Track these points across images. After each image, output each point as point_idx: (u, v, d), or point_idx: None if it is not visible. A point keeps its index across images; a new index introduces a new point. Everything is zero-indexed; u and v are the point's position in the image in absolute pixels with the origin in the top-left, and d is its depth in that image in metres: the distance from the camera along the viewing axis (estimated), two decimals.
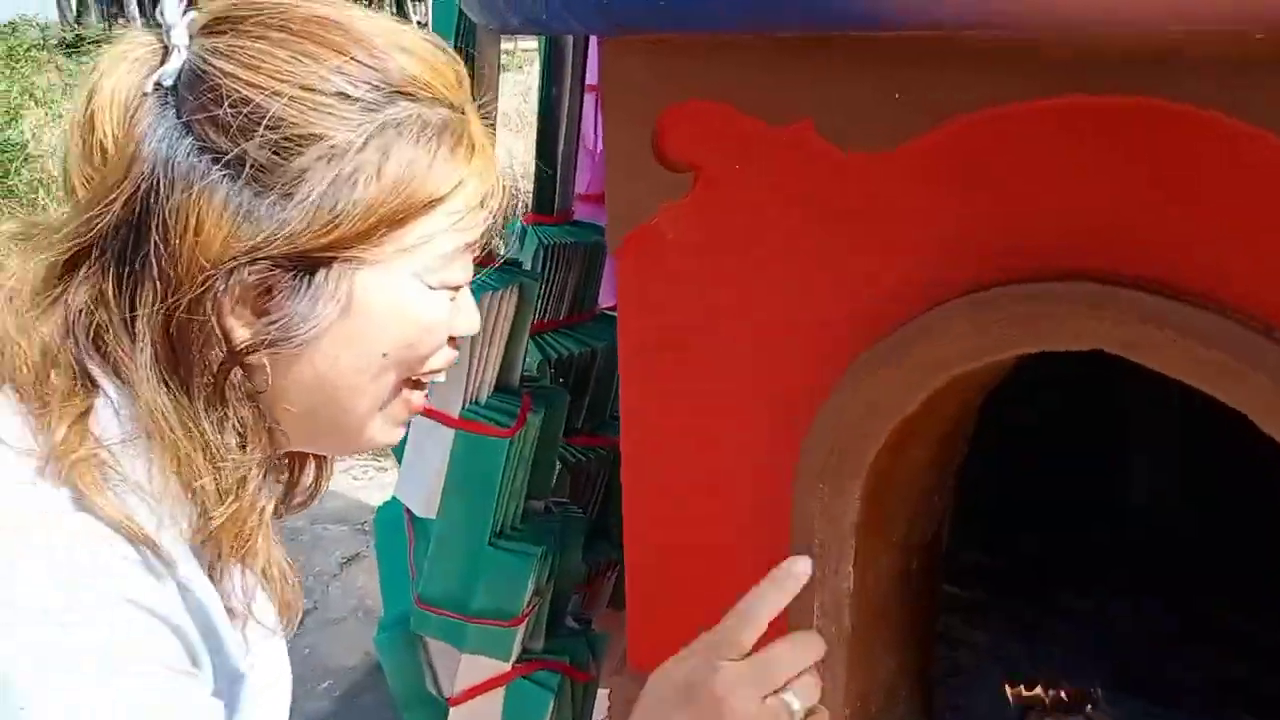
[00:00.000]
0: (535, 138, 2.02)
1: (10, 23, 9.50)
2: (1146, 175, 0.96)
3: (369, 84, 0.66)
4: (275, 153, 0.64)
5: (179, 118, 0.64)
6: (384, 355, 0.70)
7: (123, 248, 0.65)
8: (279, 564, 0.71)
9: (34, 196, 6.52)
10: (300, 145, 0.64)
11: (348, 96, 0.66)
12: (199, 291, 0.63)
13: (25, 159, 6.68)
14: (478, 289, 1.63)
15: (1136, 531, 1.94)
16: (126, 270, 0.65)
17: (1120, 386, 1.52)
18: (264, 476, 0.68)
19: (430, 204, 0.68)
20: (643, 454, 1.40)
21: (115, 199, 0.64)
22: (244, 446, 0.67)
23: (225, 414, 0.66)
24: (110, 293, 0.65)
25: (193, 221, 0.63)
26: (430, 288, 0.70)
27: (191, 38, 0.66)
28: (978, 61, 1.01)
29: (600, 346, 1.97)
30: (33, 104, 7.50)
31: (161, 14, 0.66)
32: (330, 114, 0.65)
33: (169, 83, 0.65)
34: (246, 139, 0.63)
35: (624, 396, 1.41)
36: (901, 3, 0.91)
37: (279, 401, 0.69)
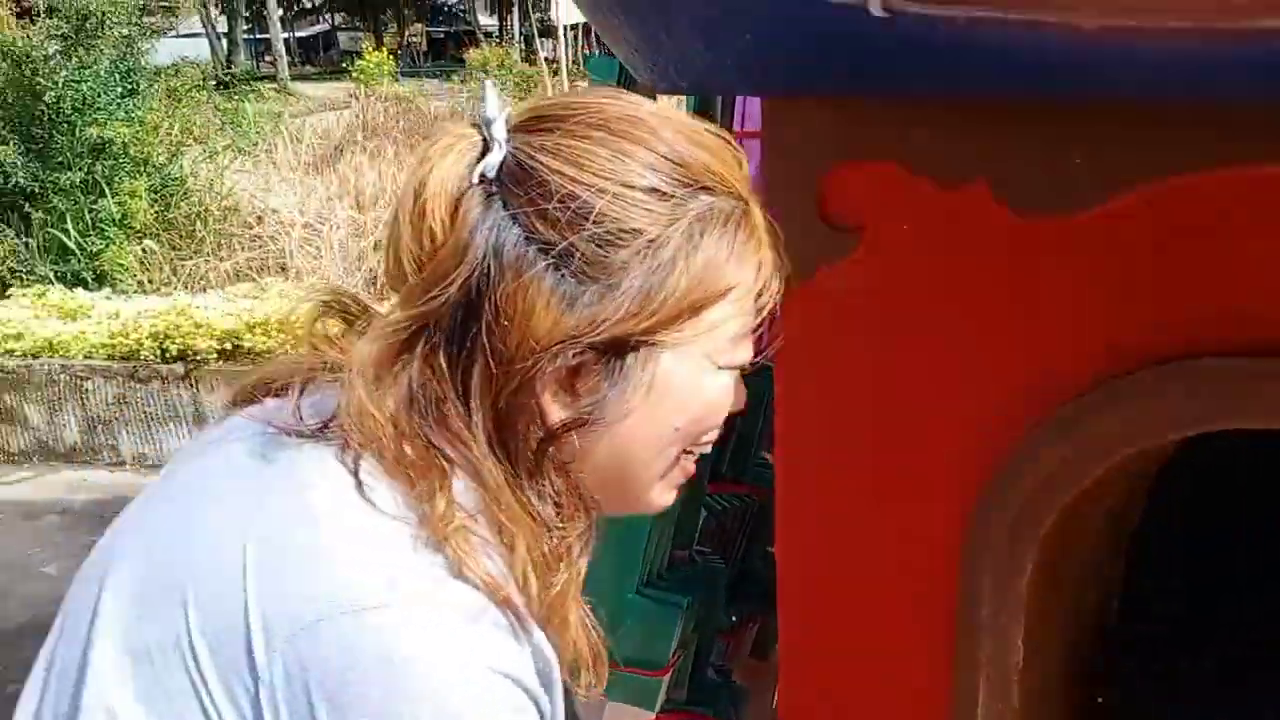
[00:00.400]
0: None
1: (174, 64, 10.10)
2: None
3: (676, 179, 0.71)
4: (599, 246, 0.68)
5: (506, 209, 0.69)
6: (675, 430, 0.75)
7: (456, 327, 0.69)
8: (588, 622, 0.75)
9: (192, 228, 6.90)
10: (621, 239, 0.69)
11: (660, 192, 0.70)
12: (526, 372, 0.68)
13: (185, 193, 7.07)
14: None
15: None
16: (459, 349, 0.69)
17: None
18: (586, 544, 0.73)
19: (727, 291, 0.72)
20: (801, 515, 1.39)
21: (451, 283, 0.68)
22: (562, 516, 0.71)
23: (543, 486, 0.71)
24: (446, 369, 0.70)
25: (523, 307, 0.68)
26: (719, 368, 0.75)
27: (509, 133, 0.71)
28: (1175, 124, 0.98)
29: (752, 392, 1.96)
30: (192, 141, 7.94)
31: (482, 111, 0.71)
32: (647, 209, 0.70)
33: (491, 174, 0.70)
34: (573, 232, 0.68)
35: (780, 456, 1.40)
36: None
37: (578, 472, 0.73)
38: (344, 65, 21.17)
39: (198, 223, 6.89)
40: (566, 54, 11.82)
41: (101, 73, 6.93)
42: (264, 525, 0.67)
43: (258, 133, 10.13)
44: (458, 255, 0.68)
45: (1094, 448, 1.08)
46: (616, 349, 0.70)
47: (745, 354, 0.77)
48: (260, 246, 6.79)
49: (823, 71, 1.08)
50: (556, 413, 0.70)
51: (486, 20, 31.31)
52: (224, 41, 26.79)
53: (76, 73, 6.84)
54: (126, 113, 6.91)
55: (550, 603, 0.69)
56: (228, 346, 4.57)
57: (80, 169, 6.65)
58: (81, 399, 4.73)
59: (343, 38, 35.25)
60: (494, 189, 0.70)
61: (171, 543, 0.70)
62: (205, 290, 5.77)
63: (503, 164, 0.70)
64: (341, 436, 0.68)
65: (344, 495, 0.67)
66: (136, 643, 0.67)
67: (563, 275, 0.68)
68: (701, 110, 1.96)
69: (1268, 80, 0.85)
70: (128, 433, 4.75)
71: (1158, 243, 1.03)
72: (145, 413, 4.70)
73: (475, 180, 0.70)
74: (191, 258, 6.62)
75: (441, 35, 35.02)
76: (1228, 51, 0.85)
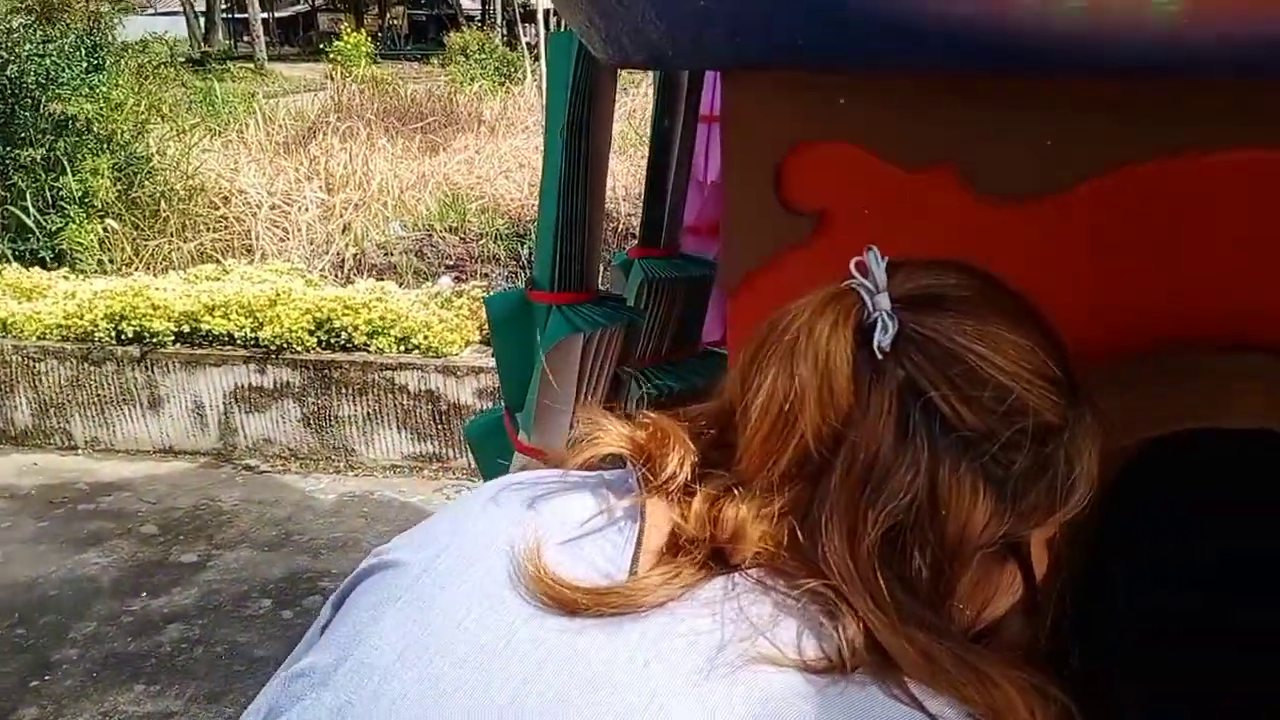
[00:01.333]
0: (646, 170, 1.97)
1: (141, 40, 9.91)
2: None
3: (1065, 369, 0.71)
4: (1024, 435, 0.67)
5: (915, 389, 0.67)
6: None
7: (910, 520, 0.67)
8: None
9: (156, 208, 6.77)
10: (1040, 432, 0.68)
11: (1061, 383, 0.70)
12: (964, 564, 0.68)
13: (149, 172, 6.94)
14: (588, 324, 1.59)
15: None
16: (905, 544, 0.67)
17: None
18: None
19: (1087, 488, 0.72)
20: None
21: (894, 474, 0.67)
22: None
23: None
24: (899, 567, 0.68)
25: (958, 500, 0.67)
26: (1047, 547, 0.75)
27: (896, 303, 0.69)
28: (1146, 108, 0.92)
29: (701, 384, 1.91)
30: (160, 119, 7.79)
31: (872, 277, 0.70)
32: (1055, 400, 0.69)
33: (887, 348, 0.68)
34: (1003, 424, 0.67)
35: None
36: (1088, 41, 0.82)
37: None
38: (322, 47, 20.93)
39: (162, 202, 6.75)
40: (547, 38, 11.72)
41: (66, 48, 6.78)
42: None
43: (229, 113, 9.97)
44: (877, 439, 0.67)
45: None
46: (1018, 542, 0.70)
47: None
48: (226, 227, 6.66)
49: (779, 45, 1.02)
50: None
51: (469, 3, 31.07)
52: (202, 20, 26.48)
53: (40, 47, 6.69)
54: (91, 89, 6.76)
55: None
56: (185, 329, 4.46)
57: (42, 145, 6.50)
58: (34, 380, 4.61)
59: (323, 19, 34.86)
60: (903, 368, 0.68)
61: None
62: (167, 271, 5.64)
63: (899, 338, 0.68)
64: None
65: None
66: None
67: (995, 467, 0.67)
68: (666, 90, 1.90)
69: (1237, 65, 0.79)
70: (81, 416, 4.64)
71: (1126, 228, 0.97)
72: (99, 395, 4.58)
73: (878, 353, 0.68)
74: (154, 238, 6.48)
75: (423, 18, 34.68)
76: (1195, 34, 0.79)
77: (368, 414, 4.38)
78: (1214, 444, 0.99)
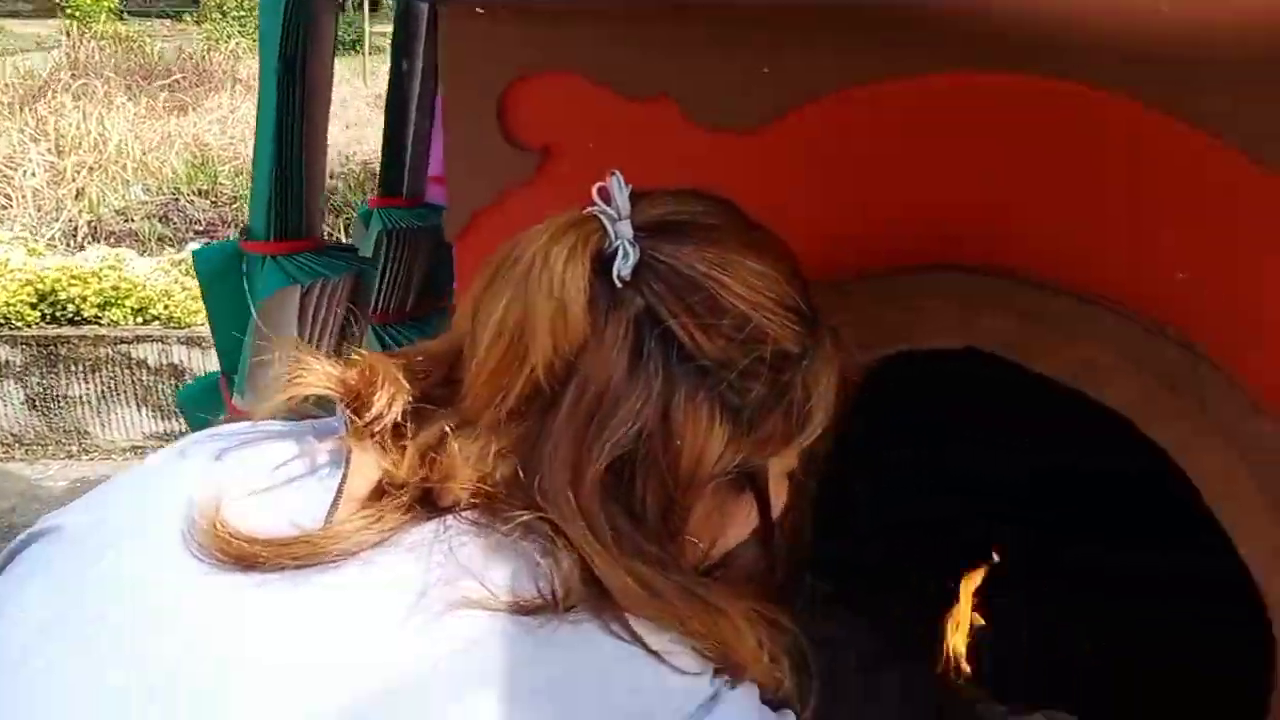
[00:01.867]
0: (385, 115, 1.86)
1: None
2: (1026, 160, 0.88)
3: (807, 297, 0.70)
4: (763, 364, 0.66)
5: (654, 317, 0.65)
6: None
7: (632, 451, 0.65)
8: None
9: None
10: (777, 360, 0.67)
11: (802, 314, 0.69)
12: (697, 494, 0.66)
13: None
14: (306, 275, 1.47)
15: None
16: (628, 475, 0.65)
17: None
18: None
19: (824, 417, 0.71)
20: None
21: (620, 404, 0.64)
22: None
23: None
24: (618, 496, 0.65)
25: (694, 429, 0.65)
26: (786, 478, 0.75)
27: (639, 230, 0.66)
28: (850, 36, 0.92)
29: None
30: None
31: (615, 203, 0.67)
32: (795, 329, 0.68)
33: (628, 277, 0.65)
34: (741, 352, 0.65)
35: None
36: None
37: None
38: (59, 1, 19.11)
39: None
40: None
41: None
42: None
43: None
44: (610, 368, 0.64)
45: None
46: (753, 470, 0.69)
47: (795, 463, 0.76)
48: None
49: None
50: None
51: None
52: None
53: None
54: None
55: None
56: None
57: None
58: None
59: None
60: (642, 296, 0.65)
61: None
62: None
63: (639, 266, 0.65)
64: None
65: None
66: None
67: (731, 395, 0.65)
68: (403, 30, 1.79)
69: None
70: None
71: (841, 152, 0.97)
72: None
73: (617, 281, 0.65)
74: None
75: None
76: None
77: (102, 392, 4.01)
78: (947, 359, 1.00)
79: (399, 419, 0.66)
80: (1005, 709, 1.31)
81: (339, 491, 0.65)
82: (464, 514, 0.63)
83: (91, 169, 6.09)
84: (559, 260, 0.64)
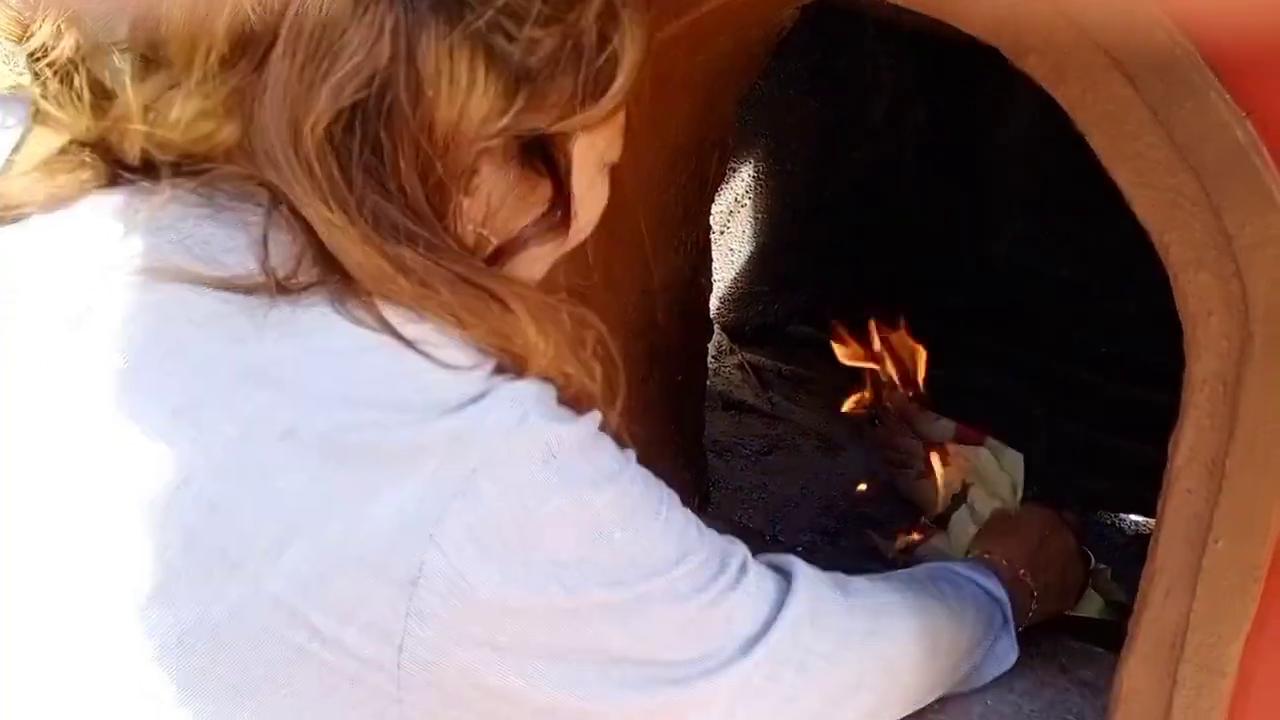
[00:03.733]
0: None
1: None
2: None
3: None
4: (536, 24, 0.56)
5: None
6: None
7: (372, 112, 0.56)
8: None
9: None
10: (545, 16, 0.57)
11: None
12: (461, 164, 0.58)
13: None
14: None
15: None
16: (374, 141, 0.57)
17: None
18: None
19: (626, 79, 0.61)
20: None
21: (346, 53, 0.55)
22: None
23: None
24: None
25: (450, 86, 0.56)
26: (605, 167, 0.67)
27: None
28: None
29: None
30: None
31: None
32: None
33: None
34: (503, 12, 0.56)
35: None
36: None
37: None
38: None
39: None
40: None
41: None
42: None
43: None
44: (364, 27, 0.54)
45: None
46: (544, 140, 0.60)
47: (618, 153, 0.69)
48: None
49: None
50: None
51: None
52: None
53: None
54: None
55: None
56: None
57: None
58: None
59: None
60: None
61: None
62: None
63: None
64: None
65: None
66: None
67: (498, 38, 0.56)
68: None
69: None
70: None
71: None
72: None
73: None
74: None
75: None
76: None
77: None
78: None
79: (72, 57, 0.58)
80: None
81: (17, 149, 0.59)
82: (176, 181, 0.57)
83: None
84: None
